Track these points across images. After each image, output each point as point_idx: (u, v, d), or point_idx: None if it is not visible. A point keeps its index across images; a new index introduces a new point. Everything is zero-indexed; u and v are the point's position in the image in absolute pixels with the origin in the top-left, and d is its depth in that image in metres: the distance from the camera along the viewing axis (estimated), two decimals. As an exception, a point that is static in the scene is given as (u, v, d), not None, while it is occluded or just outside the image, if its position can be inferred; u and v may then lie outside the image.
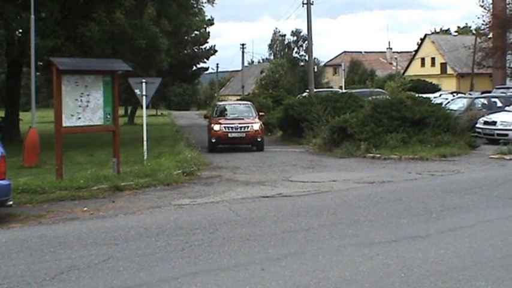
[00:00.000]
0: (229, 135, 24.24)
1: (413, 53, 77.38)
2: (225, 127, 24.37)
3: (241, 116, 25.69)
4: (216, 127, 24.41)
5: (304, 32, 58.91)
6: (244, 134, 24.33)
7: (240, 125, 24.42)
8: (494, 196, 12.42)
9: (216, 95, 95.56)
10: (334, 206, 11.64)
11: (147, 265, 7.69)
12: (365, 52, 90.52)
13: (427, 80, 57.30)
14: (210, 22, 57.16)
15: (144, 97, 17.72)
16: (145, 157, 17.40)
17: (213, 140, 24.33)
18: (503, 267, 7.38)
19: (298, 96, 39.25)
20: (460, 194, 12.70)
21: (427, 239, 8.80)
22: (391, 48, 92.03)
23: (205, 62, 63.18)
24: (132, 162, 17.52)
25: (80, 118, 14.69)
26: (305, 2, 38.72)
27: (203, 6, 39.19)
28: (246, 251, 8.30)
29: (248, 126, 24.48)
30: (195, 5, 37.41)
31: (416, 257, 7.83)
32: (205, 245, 8.66)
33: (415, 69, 71.82)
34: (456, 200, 11.96)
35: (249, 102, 29.20)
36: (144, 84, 17.68)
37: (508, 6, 47.16)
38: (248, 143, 24.70)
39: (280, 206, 11.81)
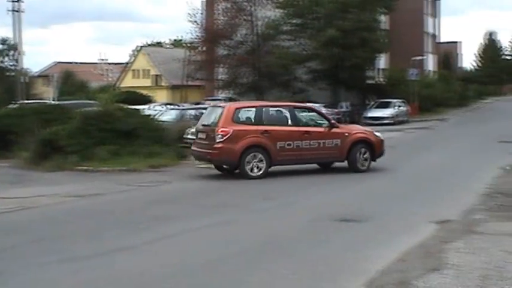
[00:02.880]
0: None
1: (127, 64, 78.00)
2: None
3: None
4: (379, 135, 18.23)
5: (13, 40, 55.99)
6: None
7: None
8: (200, 205, 12.83)
9: None
10: (39, 222, 11.18)
11: None
12: (78, 63, 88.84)
13: (140, 91, 58.14)
14: None
15: None
16: None
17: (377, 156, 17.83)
18: (206, 272, 7.66)
19: (6, 107, 37.20)
20: (168, 204, 12.97)
21: (135, 250, 8.83)
22: (104, 60, 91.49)
23: None
24: None
25: None
26: (12, 9, 36.94)
27: None
28: None
29: None
30: None
31: (125, 268, 7.81)
32: None
33: (128, 81, 72.40)
34: (164, 210, 12.16)
35: None
36: None
37: (215, 21, 49.59)
38: None
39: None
